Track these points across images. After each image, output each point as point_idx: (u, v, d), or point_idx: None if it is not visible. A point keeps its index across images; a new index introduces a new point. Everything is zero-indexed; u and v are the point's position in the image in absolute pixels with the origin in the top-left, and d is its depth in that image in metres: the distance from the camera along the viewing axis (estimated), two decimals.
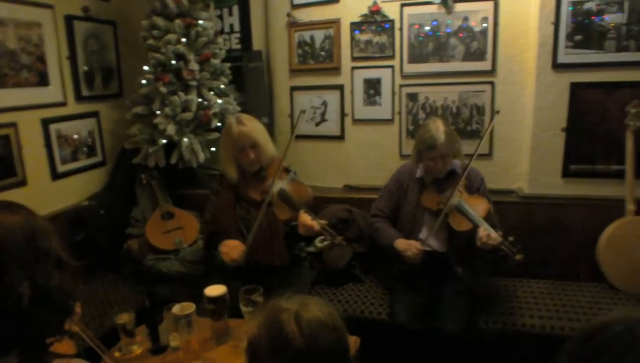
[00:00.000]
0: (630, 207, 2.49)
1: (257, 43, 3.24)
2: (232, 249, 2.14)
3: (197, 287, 1.94)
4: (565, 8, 2.53)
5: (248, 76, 3.23)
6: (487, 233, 2.07)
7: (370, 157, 3.07)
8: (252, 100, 3.21)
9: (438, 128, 2.24)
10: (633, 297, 2.43)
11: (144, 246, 2.87)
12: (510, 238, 2.06)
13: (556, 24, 2.55)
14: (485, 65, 2.76)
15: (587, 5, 2.52)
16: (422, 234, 2.35)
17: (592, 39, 2.54)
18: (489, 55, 2.75)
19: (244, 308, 1.75)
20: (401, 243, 2.27)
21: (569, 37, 2.55)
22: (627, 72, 2.52)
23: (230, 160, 2.28)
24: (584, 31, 2.54)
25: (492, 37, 2.73)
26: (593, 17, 2.52)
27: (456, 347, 2.04)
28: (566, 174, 2.65)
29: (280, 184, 2.19)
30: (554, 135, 2.62)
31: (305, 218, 2.03)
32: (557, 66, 2.57)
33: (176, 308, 1.72)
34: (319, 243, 2.57)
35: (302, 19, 3.07)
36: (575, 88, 2.56)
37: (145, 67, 2.92)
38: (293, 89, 3.20)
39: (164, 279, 2.70)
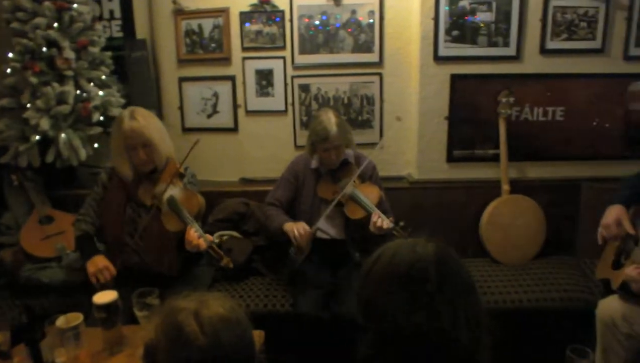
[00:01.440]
0: (505, 187, 2.74)
1: (140, 31, 3.04)
2: (100, 272, 1.99)
3: (84, 295, 1.78)
4: (443, 5, 2.71)
5: (132, 66, 3.02)
6: (380, 219, 2.16)
7: (265, 149, 3.05)
8: (137, 92, 3.01)
9: (330, 119, 2.28)
10: (512, 268, 2.69)
11: (19, 255, 2.57)
12: (401, 223, 2.16)
13: (436, 19, 2.72)
14: (373, 57, 2.87)
15: (461, 4, 2.72)
16: (318, 224, 2.38)
17: (467, 34, 2.75)
18: (376, 47, 2.86)
19: (138, 313, 1.64)
20: (289, 225, 2.26)
21: (448, 32, 2.74)
22: (498, 65, 2.77)
23: (123, 157, 2.11)
24: (460, 27, 2.74)
25: (379, 30, 2.84)
26: (467, 16, 2.73)
27: (359, 332, 2.10)
28: (450, 159, 2.86)
29: (172, 191, 2.05)
30: (438, 123, 2.80)
31: (192, 235, 1.89)
32: (438, 59, 2.74)
33: (60, 321, 1.56)
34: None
35: (188, 6, 2.94)
36: (455, 79, 2.76)
37: (10, 54, 2.60)
38: (182, 80, 3.06)
39: (45, 290, 2.45)
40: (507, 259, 2.73)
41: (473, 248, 2.79)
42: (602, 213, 2.08)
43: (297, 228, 2.21)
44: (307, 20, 2.87)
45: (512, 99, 2.71)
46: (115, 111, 2.76)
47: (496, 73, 2.77)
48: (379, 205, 2.29)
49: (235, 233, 2.68)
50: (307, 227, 2.23)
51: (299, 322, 2.19)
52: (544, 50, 2.78)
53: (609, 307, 2.14)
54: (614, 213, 2.05)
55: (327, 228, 2.41)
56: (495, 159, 2.78)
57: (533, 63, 2.78)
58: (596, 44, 2.80)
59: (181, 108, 3.09)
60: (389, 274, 0.96)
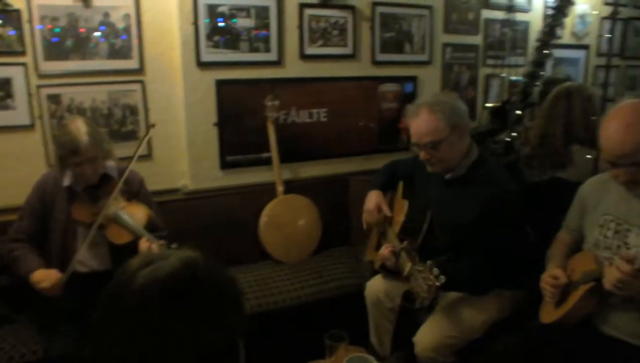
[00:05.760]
0: (280, 188, 2.82)
1: None
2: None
3: None
4: (202, 10, 2.65)
5: None
6: (149, 244, 1.99)
7: (8, 171, 2.56)
8: None
9: (79, 129, 2.01)
10: (293, 266, 2.76)
11: None
12: (174, 246, 2.02)
13: (196, 24, 2.65)
14: (132, 64, 2.66)
15: (220, 10, 2.70)
16: (80, 254, 2.09)
17: (229, 40, 2.74)
18: (135, 53, 2.66)
19: None
20: (37, 275, 1.94)
21: (209, 37, 2.69)
22: (261, 70, 2.83)
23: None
24: (222, 32, 2.72)
25: (137, 35, 2.64)
26: (227, 21, 2.72)
27: None
28: (224, 165, 2.82)
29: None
30: (207, 130, 2.74)
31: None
32: (201, 64, 2.68)
33: None
34: None
35: None
36: (220, 84, 2.73)
37: None
38: None
39: None
40: (289, 258, 2.80)
41: (255, 252, 2.80)
42: None
43: (46, 282, 1.92)
44: (50, 22, 2.52)
45: (277, 103, 2.79)
46: None
47: (260, 78, 2.83)
48: (149, 226, 2.11)
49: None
50: (57, 276, 1.94)
51: None
52: (303, 56, 2.93)
53: (374, 286, 2.34)
54: (373, 198, 2.24)
55: (88, 259, 2.13)
56: (268, 162, 2.84)
57: (294, 68, 2.91)
58: (348, 50, 3.07)
59: None
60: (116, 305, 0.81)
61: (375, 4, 3.08)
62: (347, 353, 1.55)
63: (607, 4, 4.31)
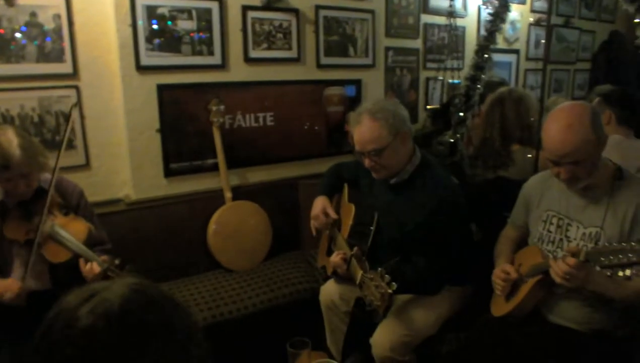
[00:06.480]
0: (228, 194, 2.74)
1: None
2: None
3: None
4: (141, 11, 2.54)
5: None
6: (90, 265, 1.87)
7: None
8: None
9: (10, 142, 1.84)
10: (244, 274, 2.70)
11: None
12: (117, 261, 1.92)
13: (134, 26, 2.53)
14: (65, 68, 2.49)
15: (160, 11, 2.59)
16: (15, 274, 1.93)
17: (170, 42, 2.64)
18: (68, 56, 2.49)
19: None
20: None
21: (149, 40, 2.58)
22: (205, 73, 2.74)
23: None
24: (162, 35, 2.61)
25: (69, 36, 2.48)
26: (167, 23, 2.62)
27: None
28: (168, 173, 2.70)
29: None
30: (150, 136, 2.62)
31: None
32: (141, 68, 2.55)
33: None
34: None
35: None
36: (162, 89, 2.62)
37: None
38: None
39: None
40: (239, 266, 2.74)
41: (204, 262, 2.72)
42: None
43: (8, 294, 1.80)
44: None
45: (222, 107, 2.72)
46: None
47: (204, 82, 2.74)
48: (89, 241, 1.98)
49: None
50: (17, 284, 1.82)
51: None
52: (248, 59, 2.88)
53: (329, 290, 2.33)
54: (319, 204, 2.23)
55: (27, 279, 1.97)
56: (215, 168, 2.76)
57: (239, 71, 2.85)
58: (293, 53, 3.05)
59: None
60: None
61: (318, 8, 3.08)
62: (310, 360, 1.53)
63: (533, 11, 4.59)
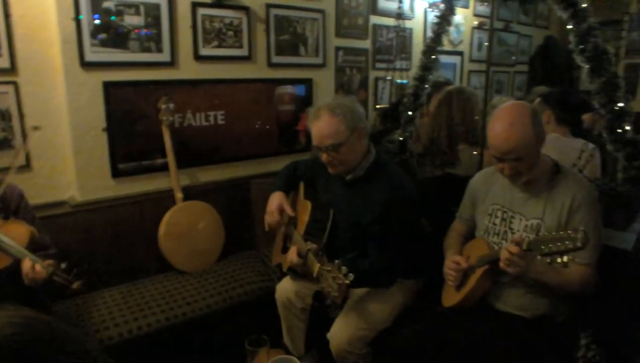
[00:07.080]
0: (179, 195, 2.69)
1: None
2: None
3: None
4: (84, 4, 2.44)
5: None
6: (33, 268, 1.79)
7: None
8: None
9: None
10: (198, 275, 2.66)
11: None
12: (63, 265, 1.85)
13: (77, 20, 2.42)
14: (2, 63, 2.36)
15: (106, 5, 2.50)
16: None
17: (117, 38, 2.55)
18: (4, 50, 2.35)
19: None
20: None
21: (93, 35, 2.48)
22: (154, 71, 2.67)
23: None
24: (108, 30, 2.52)
25: (5, 29, 2.34)
26: (114, 18, 2.53)
27: None
28: (116, 174, 2.61)
29: None
30: (96, 136, 2.52)
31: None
32: (85, 64, 2.45)
33: None
34: None
35: None
36: (108, 87, 2.53)
37: None
38: None
39: None
40: (192, 267, 2.69)
41: (155, 264, 2.65)
42: None
43: None
44: None
45: (172, 106, 2.67)
46: None
47: (153, 80, 2.67)
48: (32, 245, 1.89)
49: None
50: None
51: None
52: (198, 57, 2.83)
53: (284, 288, 2.34)
54: (275, 200, 2.23)
55: None
56: (165, 168, 2.70)
57: (189, 69, 2.80)
58: (244, 51, 3.03)
59: None
60: None
61: (269, 6, 3.07)
62: (269, 357, 1.53)
63: (476, 15, 4.79)
